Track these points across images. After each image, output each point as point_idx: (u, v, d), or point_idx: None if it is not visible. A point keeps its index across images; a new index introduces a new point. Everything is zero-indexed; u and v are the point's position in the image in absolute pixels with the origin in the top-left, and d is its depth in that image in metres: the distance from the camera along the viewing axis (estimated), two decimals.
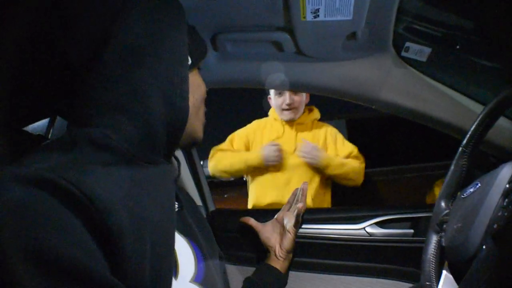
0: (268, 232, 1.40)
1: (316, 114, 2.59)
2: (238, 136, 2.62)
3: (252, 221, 1.47)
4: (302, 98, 2.46)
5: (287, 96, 2.41)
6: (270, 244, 1.36)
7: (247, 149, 2.59)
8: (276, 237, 1.37)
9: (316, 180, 2.41)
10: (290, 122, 2.50)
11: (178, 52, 0.81)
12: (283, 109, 2.45)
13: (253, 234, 1.44)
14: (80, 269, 0.56)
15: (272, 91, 2.49)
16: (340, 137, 2.55)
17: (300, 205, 1.36)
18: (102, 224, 0.61)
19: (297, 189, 1.49)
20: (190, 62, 0.86)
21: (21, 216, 0.56)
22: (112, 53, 0.75)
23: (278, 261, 1.32)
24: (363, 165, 2.49)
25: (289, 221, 1.37)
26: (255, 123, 2.68)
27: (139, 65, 0.76)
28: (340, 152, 2.49)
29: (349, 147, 2.51)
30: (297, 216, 1.35)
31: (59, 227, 0.57)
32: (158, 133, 0.77)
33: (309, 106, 2.63)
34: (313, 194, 2.37)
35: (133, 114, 0.75)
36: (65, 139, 0.74)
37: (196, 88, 0.91)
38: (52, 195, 0.58)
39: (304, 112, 2.55)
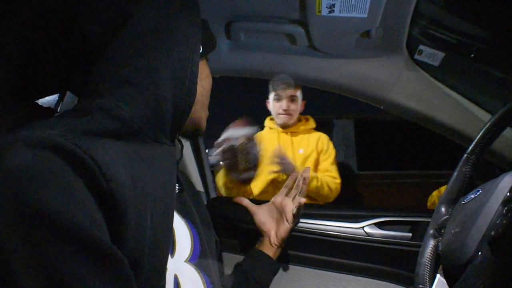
0: (263, 215, 1.39)
1: (311, 124, 2.73)
2: None
3: (246, 202, 1.47)
4: (297, 106, 2.62)
5: (283, 103, 2.57)
6: (265, 230, 1.36)
7: None
8: (271, 223, 1.37)
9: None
10: (285, 131, 2.66)
11: (191, 38, 0.83)
12: (279, 113, 2.61)
13: (242, 217, 1.42)
14: (82, 234, 0.57)
15: (271, 96, 2.64)
16: (329, 148, 2.66)
17: (302, 200, 1.34)
18: (108, 193, 0.62)
19: (296, 172, 1.46)
20: (201, 50, 0.88)
21: (30, 177, 0.56)
22: (129, 32, 0.78)
23: (272, 249, 1.32)
24: (338, 181, 2.59)
25: (289, 211, 1.35)
26: None
27: (154, 45, 0.79)
28: (321, 162, 2.62)
29: (329, 163, 2.62)
30: (298, 209, 1.34)
31: (65, 191, 0.58)
32: (165, 111, 0.79)
33: (305, 116, 2.77)
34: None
35: (144, 90, 0.76)
36: (77, 109, 0.75)
37: (205, 77, 0.94)
38: (63, 159, 0.59)
39: (300, 121, 2.72)
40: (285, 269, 1.60)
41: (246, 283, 1.22)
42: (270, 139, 2.67)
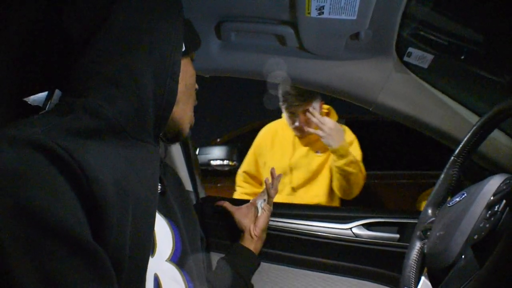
0: (242, 214, 1.45)
1: (332, 117, 2.50)
2: (246, 163, 2.64)
3: (226, 204, 1.53)
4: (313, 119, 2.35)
5: (298, 119, 2.34)
6: (245, 224, 1.42)
7: (258, 167, 2.60)
8: (250, 217, 1.43)
9: (324, 192, 2.40)
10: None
11: (172, 37, 0.84)
12: (293, 127, 2.41)
13: (230, 217, 1.48)
14: (68, 231, 0.58)
15: (282, 107, 2.40)
16: (355, 143, 2.48)
17: (267, 180, 1.43)
18: (90, 194, 0.63)
19: (267, 179, 1.50)
20: (184, 49, 0.90)
21: (14, 176, 0.57)
22: (110, 31, 0.79)
23: (252, 241, 1.38)
24: (364, 173, 2.41)
25: (262, 200, 1.43)
26: (264, 130, 2.64)
27: (135, 45, 0.80)
28: None
29: (358, 156, 2.42)
30: (268, 191, 1.41)
31: (50, 189, 0.59)
32: (147, 110, 0.80)
33: (327, 107, 2.54)
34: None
35: (126, 89, 0.77)
36: (61, 107, 0.77)
37: (189, 76, 0.95)
38: (46, 158, 0.60)
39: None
40: (273, 269, 1.60)
41: (228, 277, 1.25)
42: (287, 137, 2.50)
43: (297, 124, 2.36)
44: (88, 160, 0.63)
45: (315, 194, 2.37)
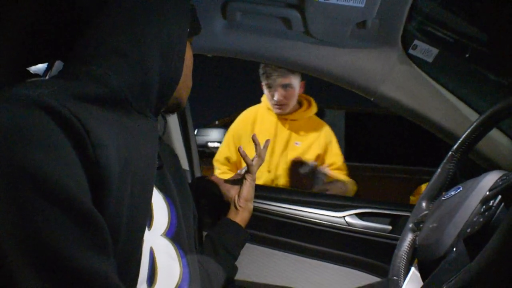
0: (228, 186, 1.42)
1: (314, 109, 2.50)
2: (226, 148, 2.56)
3: (214, 177, 1.50)
4: (294, 92, 2.36)
5: (276, 93, 2.33)
6: (230, 196, 1.39)
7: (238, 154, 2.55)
8: (236, 189, 1.39)
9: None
10: (283, 118, 2.44)
11: (181, 17, 0.87)
12: (272, 104, 2.39)
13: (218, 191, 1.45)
14: (68, 196, 0.58)
15: (263, 82, 2.39)
16: (334, 143, 2.47)
17: (241, 148, 1.37)
18: (94, 159, 0.62)
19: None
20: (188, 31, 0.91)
21: (19, 135, 0.57)
22: (121, 6, 0.80)
23: (237, 212, 1.35)
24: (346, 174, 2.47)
25: (245, 169, 1.39)
26: (244, 115, 2.59)
27: (145, 19, 0.80)
28: (326, 160, 2.44)
29: (337, 157, 2.45)
30: (244, 159, 1.36)
31: (54, 152, 0.58)
32: (152, 84, 0.81)
33: (308, 97, 2.53)
34: None
35: (132, 61, 0.78)
36: (66, 73, 0.77)
37: (189, 58, 0.97)
38: (52, 120, 0.60)
39: (302, 106, 2.48)
40: (265, 252, 1.61)
41: (214, 250, 1.24)
42: (268, 122, 2.47)
43: (275, 98, 2.34)
44: (93, 125, 0.63)
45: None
